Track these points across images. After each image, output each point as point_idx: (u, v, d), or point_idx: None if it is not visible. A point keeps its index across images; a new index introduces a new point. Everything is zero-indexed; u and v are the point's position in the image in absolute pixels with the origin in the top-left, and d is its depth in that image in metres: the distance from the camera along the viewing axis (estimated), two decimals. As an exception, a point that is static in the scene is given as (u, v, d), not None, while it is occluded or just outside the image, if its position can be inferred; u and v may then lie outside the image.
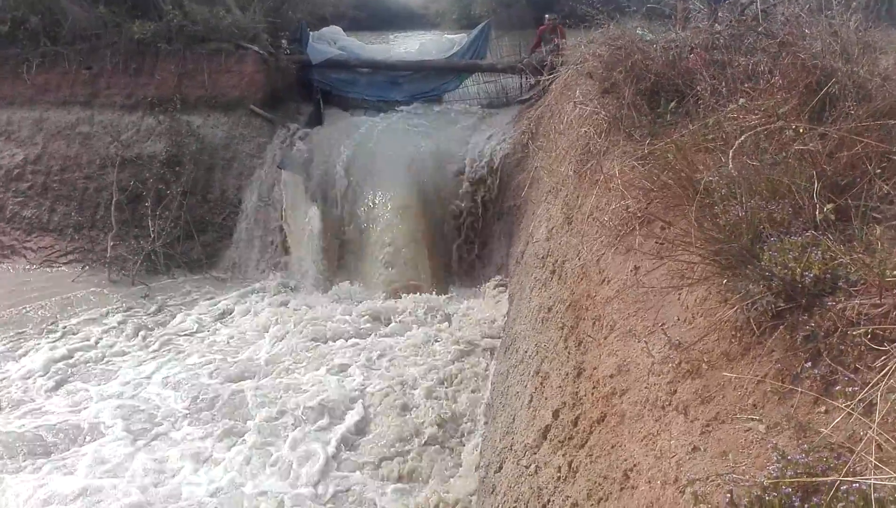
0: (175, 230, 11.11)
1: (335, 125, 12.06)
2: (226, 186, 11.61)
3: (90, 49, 12.33)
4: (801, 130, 3.09)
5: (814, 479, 1.81)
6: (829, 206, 2.75)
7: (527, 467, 4.08)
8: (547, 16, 11.61)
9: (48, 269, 11.45)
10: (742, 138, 3.22)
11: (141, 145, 11.67)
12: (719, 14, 6.51)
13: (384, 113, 12.47)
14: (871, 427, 1.83)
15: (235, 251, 11.36)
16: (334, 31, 13.86)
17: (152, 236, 10.93)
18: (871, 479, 1.70)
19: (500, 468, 4.83)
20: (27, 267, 11.52)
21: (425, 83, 12.84)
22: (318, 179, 11.04)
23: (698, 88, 4.48)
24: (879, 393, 1.92)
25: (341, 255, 10.79)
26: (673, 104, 4.68)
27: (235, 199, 11.52)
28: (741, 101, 3.66)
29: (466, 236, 10.51)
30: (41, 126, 12.40)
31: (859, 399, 1.97)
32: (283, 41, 13.24)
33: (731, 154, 3.12)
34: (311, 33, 13.07)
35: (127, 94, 12.13)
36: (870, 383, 1.99)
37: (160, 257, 10.94)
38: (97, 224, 11.66)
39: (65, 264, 11.48)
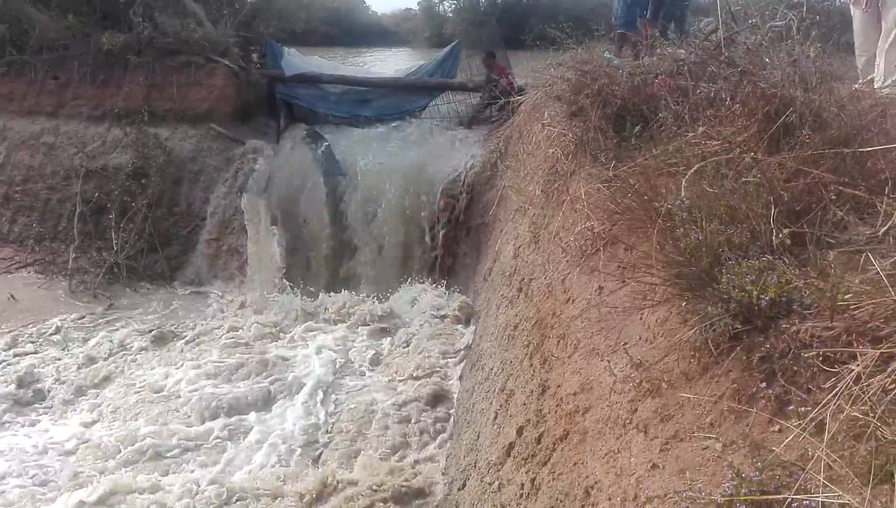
0: (139, 243, 10.96)
1: (298, 143, 11.92)
2: (192, 199, 11.50)
3: (58, 59, 12.22)
4: (758, 158, 3.18)
5: (767, 497, 1.87)
6: (785, 231, 2.84)
7: (490, 484, 4.11)
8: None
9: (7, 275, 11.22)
10: (698, 166, 3.31)
11: (107, 157, 11.53)
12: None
13: (352, 128, 12.45)
14: (820, 447, 1.89)
15: (196, 265, 11.30)
16: (295, 54, 13.67)
17: (115, 248, 10.76)
18: (820, 497, 1.76)
19: (464, 485, 4.84)
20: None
21: (395, 101, 12.87)
22: (279, 201, 10.98)
23: (662, 113, 4.58)
24: (829, 413, 1.99)
25: (303, 274, 10.75)
26: (638, 129, 4.78)
27: (202, 212, 11.41)
28: (700, 128, 3.76)
29: (433, 254, 10.54)
30: (4, 135, 12.27)
31: (810, 419, 2.04)
32: (255, 55, 13.23)
33: (683, 183, 3.20)
34: (284, 49, 13.03)
35: (94, 105, 12.01)
36: (821, 403, 2.06)
37: (123, 270, 10.77)
38: (59, 236, 11.50)
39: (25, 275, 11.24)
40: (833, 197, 3.03)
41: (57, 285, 10.74)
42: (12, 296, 10.30)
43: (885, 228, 2.69)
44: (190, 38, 11.91)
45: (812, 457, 1.92)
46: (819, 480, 1.82)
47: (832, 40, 4.89)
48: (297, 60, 12.93)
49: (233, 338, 9.18)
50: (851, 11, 5.53)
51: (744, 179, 3.21)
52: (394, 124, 12.49)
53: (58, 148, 11.90)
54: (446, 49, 13.36)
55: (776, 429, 2.16)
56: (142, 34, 11.86)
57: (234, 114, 12.03)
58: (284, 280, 10.53)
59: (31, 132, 12.15)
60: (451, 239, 10.44)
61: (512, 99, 8.87)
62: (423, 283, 10.25)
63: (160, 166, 11.33)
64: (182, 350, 8.96)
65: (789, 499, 1.80)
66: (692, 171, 3.32)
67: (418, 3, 30.43)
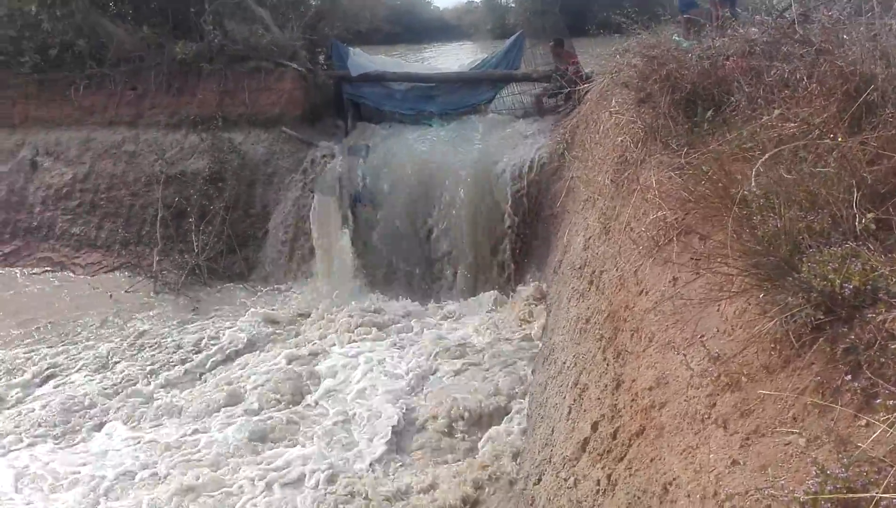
0: (218, 245, 11.38)
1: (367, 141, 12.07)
2: (267, 200, 11.87)
3: (134, 70, 12.74)
4: (838, 140, 3.05)
5: (854, 495, 1.80)
6: (870, 216, 2.71)
7: (566, 479, 4.08)
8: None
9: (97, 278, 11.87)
10: (774, 151, 3.19)
11: (184, 163, 11.99)
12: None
13: (419, 126, 12.48)
14: (911, 443, 1.81)
15: (272, 265, 11.62)
16: (360, 53, 13.84)
17: (196, 250, 11.20)
18: (911, 495, 1.69)
19: (539, 480, 4.83)
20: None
21: (460, 95, 12.84)
22: (351, 199, 11.14)
23: (735, 96, 4.44)
24: (921, 407, 1.90)
25: (374, 271, 10.91)
26: (710, 113, 4.64)
27: (276, 213, 11.76)
28: (776, 111, 3.62)
29: (507, 247, 10.48)
30: (88, 146, 12.84)
31: (901, 413, 1.95)
32: (321, 57, 13.46)
33: (753, 172, 3.09)
34: (350, 49, 13.20)
35: (170, 113, 12.49)
36: (911, 396, 1.97)
37: (204, 271, 11.20)
38: (143, 240, 12.04)
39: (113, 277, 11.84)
40: (921, 178, 2.89)
41: (142, 286, 11.26)
42: (111, 295, 11.00)
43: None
44: (258, 44, 12.25)
45: (902, 453, 1.84)
46: (910, 478, 1.74)
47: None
48: (363, 60, 13.08)
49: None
50: (938, -21, 5.22)
51: (824, 163, 3.09)
52: (460, 119, 12.48)
53: (139, 156, 12.43)
54: (510, 40, 13.25)
55: (863, 424, 2.08)
56: (213, 42, 12.27)
57: (304, 116, 12.31)
58: (356, 280, 10.70)
59: (112, 142, 12.72)
60: (522, 233, 10.36)
61: (579, 88, 8.75)
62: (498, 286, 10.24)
63: (235, 170, 11.74)
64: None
65: (877, 497, 1.73)
66: (767, 156, 3.20)
67: (480, -5, 30.41)
